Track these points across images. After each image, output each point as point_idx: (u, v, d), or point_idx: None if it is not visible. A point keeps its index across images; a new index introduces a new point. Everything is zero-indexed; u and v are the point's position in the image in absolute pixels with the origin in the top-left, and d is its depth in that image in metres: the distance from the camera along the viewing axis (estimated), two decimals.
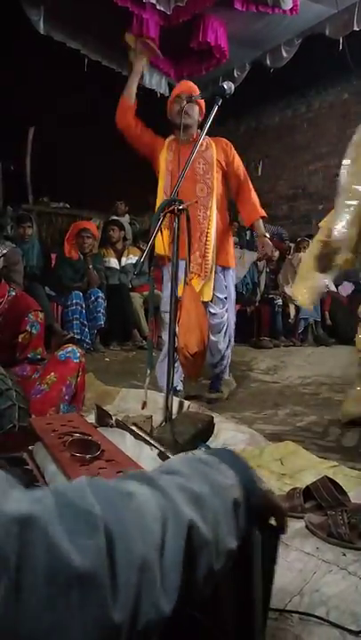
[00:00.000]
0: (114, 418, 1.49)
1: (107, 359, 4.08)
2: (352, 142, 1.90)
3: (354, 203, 1.80)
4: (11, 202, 5.54)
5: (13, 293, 2.07)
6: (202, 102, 2.62)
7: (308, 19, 4.54)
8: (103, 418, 1.53)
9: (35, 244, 4.75)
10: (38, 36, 4.38)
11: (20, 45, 4.92)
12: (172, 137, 2.65)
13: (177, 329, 1.94)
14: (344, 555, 1.13)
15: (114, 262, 5.01)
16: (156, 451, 1.04)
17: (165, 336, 2.50)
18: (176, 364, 2.00)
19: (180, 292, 1.96)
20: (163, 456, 1.01)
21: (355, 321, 2.37)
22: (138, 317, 4.80)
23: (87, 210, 6.13)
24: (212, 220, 2.54)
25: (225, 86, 2.08)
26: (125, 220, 5.90)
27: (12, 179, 5.90)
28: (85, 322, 4.28)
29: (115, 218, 5.67)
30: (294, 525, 1.23)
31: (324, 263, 1.90)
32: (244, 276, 5.54)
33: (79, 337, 4.11)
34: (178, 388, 2.57)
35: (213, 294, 2.59)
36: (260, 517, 0.60)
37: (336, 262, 1.87)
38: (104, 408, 1.73)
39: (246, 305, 5.47)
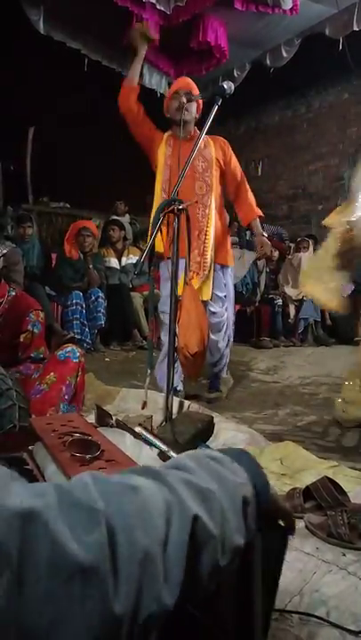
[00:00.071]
0: (114, 418, 1.49)
1: (107, 359, 4.08)
2: None
3: None
4: (11, 202, 5.54)
5: (13, 293, 2.07)
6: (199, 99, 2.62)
7: (308, 18, 4.54)
8: (103, 418, 1.53)
9: (35, 244, 4.75)
10: (38, 35, 4.38)
11: (20, 45, 4.92)
12: (170, 132, 2.64)
13: (177, 329, 1.94)
14: (344, 555, 1.13)
15: (114, 262, 5.00)
16: (157, 451, 1.04)
17: (164, 336, 2.50)
18: (176, 364, 2.00)
19: (180, 292, 1.96)
20: (163, 456, 1.01)
21: (355, 321, 2.36)
22: (138, 317, 4.80)
23: (87, 210, 6.13)
24: (211, 219, 2.54)
25: (225, 86, 2.07)
26: (125, 219, 5.90)
27: (12, 179, 5.89)
28: (85, 322, 4.28)
29: (115, 218, 5.67)
30: None
31: (347, 258, 1.85)
32: (244, 276, 5.53)
33: (79, 337, 4.11)
34: (178, 388, 2.57)
35: (213, 293, 2.59)
36: (269, 518, 0.60)
37: None
38: (104, 408, 1.73)
39: (246, 305, 5.47)
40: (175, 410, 1.93)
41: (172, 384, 1.90)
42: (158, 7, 3.79)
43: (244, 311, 5.42)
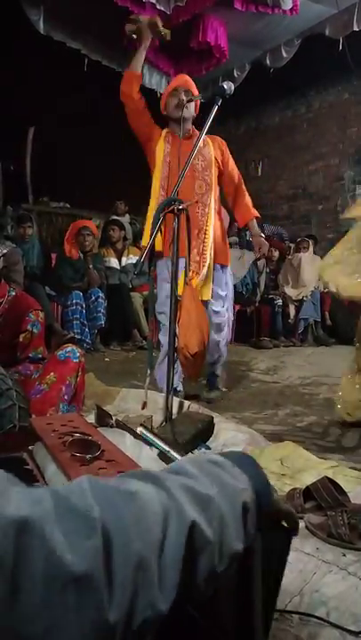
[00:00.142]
0: (114, 418, 1.49)
1: (107, 359, 4.08)
2: None
3: None
4: (11, 202, 5.54)
5: (13, 293, 2.06)
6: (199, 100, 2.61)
7: (308, 19, 4.55)
8: (103, 418, 1.53)
9: (35, 244, 4.75)
10: (38, 35, 4.38)
11: (20, 45, 4.92)
12: (168, 129, 2.63)
13: (177, 329, 1.94)
14: (344, 555, 1.13)
15: (114, 262, 5.01)
16: (156, 451, 1.04)
17: (162, 337, 2.50)
18: (176, 365, 2.00)
19: (180, 292, 1.96)
20: (162, 456, 1.01)
21: (355, 321, 2.35)
22: (138, 317, 4.80)
23: (87, 210, 6.13)
24: (211, 218, 2.54)
25: (225, 86, 2.07)
26: (125, 219, 5.89)
27: (12, 179, 5.89)
28: (85, 322, 4.28)
29: (115, 218, 5.67)
30: None
31: None
32: (244, 277, 5.54)
33: (79, 337, 4.11)
34: (178, 389, 2.57)
35: (215, 292, 2.58)
36: (272, 520, 0.60)
37: None
38: (104, 408, 1.73)
39: (246, 305, 5.47)
40: (175, 410, 1.93)
41: (172, 384, 1.89)
42: (158, 7, 3.79)
43: (244, 311, 5.42)
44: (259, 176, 7.30)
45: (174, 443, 1.63)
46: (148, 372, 1.92)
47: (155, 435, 1.19)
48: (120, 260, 5.05)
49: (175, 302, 1.91)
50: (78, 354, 2.00)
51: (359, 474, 1.61)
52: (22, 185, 6.11)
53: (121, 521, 0.41)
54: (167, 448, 1.06)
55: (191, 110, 2.55)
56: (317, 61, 5.47)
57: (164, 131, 2.60)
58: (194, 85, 2.59)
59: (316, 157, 6.83)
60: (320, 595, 0.97)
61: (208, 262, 2.51)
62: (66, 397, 1.92)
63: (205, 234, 2.51)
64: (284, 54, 4.98)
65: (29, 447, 1.05)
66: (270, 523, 0.60)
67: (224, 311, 2.68)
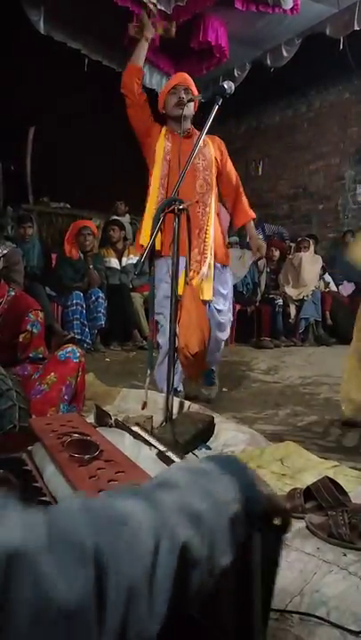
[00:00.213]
0: (113, 418, 1.49)
1: (107, 359, 4.08)
2: None
3: None
4: (11, 202, 5.54)
5: (13, 293, 2.06)
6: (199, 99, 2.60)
7: (308, 18, 4.54)
8: (102, 418, 1.53)
9: (35, 244, 4.75)
10: (38, 35, 4.38)
11: (20, 45, 4.92)
12: (167, 127, 2.62)
13: (177, 329, 1.93)
14: (345, 555, 1.13)
15: (114, 262, 5.00)
16: (155, 450, 1.04)
17: (160, 338, 2.49)
18: (176, 365, 2.00)
19: (180, 291, 1.96)
20: (162, 456, 1.01)
21: (356, 320, 2.35)
22: (138, 317, 4.80)
23: (87, 210, 6.13)
24: (211, 217, 2.53)
25: (225, 86, 2.07)
26: (126, 219, 5.90)
27: (12, 179, 5.89)
28: (86, 322, 4.28)
29: (115, 218, 5.68)
30: (295, 526, 1.23)
31: None
32: (245, 276, 5.53)
33: (79, 337, 4.11)
34: (178, 389, 2.57)
35: (218, 291, 2.57)
36: (263, 520, 0.60)
37: None
38: (104, 408, 1.72)
39: (247, 305, 5.47)
40: (175, 410, 1.93)
41: (173, 384, 1.89)
42: (159, 7, 3.78)
43: (244, 311, 5.41)
44: (259, 175, 7.30)
45: (175, 443, 1.63)
46: (149, 372, 1.92)
47: (150, 434, 1.19)
48: (120, 261, 5.05)
49: (175, 302, 1.90)
50: (78, 354, 2.00)
51: (360, 473, 1.60)
52: (22, 185, 6.11)
53: (114, 548, 0.40)
54: (163, 447, 1.06)
55: (191, 108, 2.54)
56: (318, 61, 5.47)
57: (164, 128, 2.60)
58: (193, 83, 2.58)
59: (316, 157, 6.83)
60: (321, 594, 0.97)
61: (209, 261, 2.51)
62: (66, 398, 1.92)
63: (206, 233, 2.51)
64: (285, 54, 4.97)
65: (29, 448, 1.05)
66: (265, 521, 0.60)
67: (227, 310, 2.67)
